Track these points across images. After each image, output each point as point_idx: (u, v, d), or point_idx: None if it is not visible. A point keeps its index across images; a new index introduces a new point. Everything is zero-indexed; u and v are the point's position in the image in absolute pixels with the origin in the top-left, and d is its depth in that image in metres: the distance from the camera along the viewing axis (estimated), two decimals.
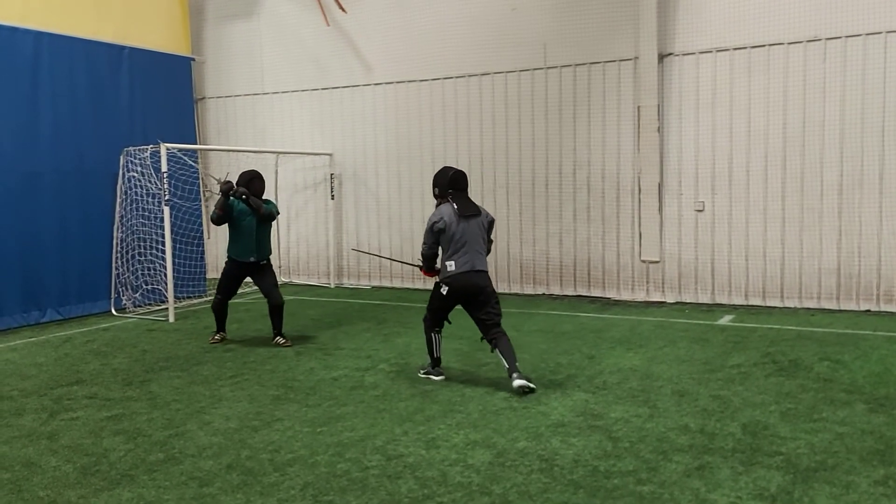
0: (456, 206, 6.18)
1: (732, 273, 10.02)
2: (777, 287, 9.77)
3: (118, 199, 10.48)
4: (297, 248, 13.16)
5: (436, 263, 6.42)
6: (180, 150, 10.65)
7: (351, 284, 12.63)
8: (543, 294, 11.16)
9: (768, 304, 9.78)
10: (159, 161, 9.81)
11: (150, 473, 4.47)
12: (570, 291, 11.02)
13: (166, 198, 9.81)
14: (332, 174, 12.66)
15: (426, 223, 6.30)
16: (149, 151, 10.21)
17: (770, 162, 9.72)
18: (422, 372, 6.58)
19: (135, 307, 10.45)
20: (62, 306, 9.90)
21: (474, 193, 11.56)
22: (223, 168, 13.39)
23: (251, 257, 7.92)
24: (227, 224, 7.94)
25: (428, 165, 11.92)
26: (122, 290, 10.46)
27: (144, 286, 10.54)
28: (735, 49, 9.80)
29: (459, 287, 6.14)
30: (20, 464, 4.66)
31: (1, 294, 9.23)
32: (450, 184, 6.28)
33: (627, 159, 10.52)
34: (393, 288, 12.25)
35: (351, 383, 6.38)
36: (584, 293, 10.90)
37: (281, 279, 13.08)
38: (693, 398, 5.72)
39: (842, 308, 9.37)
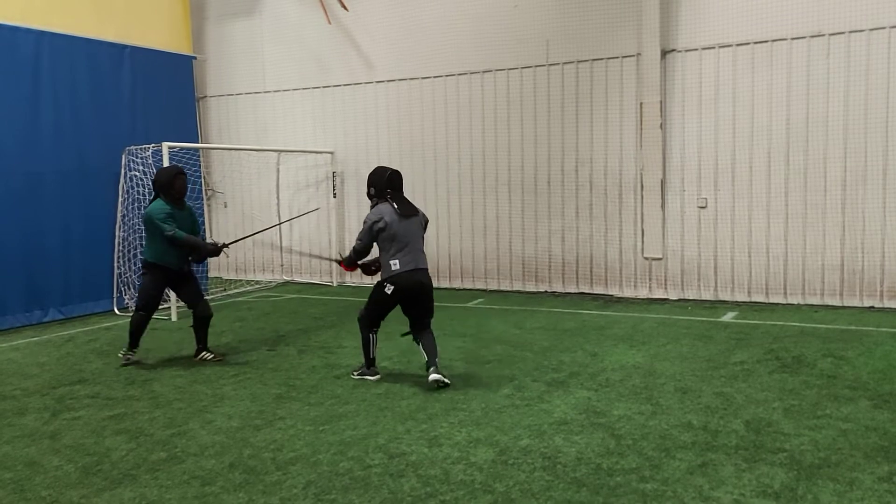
0: (396, 206, 6.17)
1: (735, 270, 10.00)
2: (780, 283, 9.74)
3: (120, 198, 10.47)
4: (300, 247, 13.14)
5: (360, 259, 6.38)
6: (182, 148, 10.65)
7: (353, 283, 12.62)
8: (546, 291, 11.14)
9: (771, 300, 9.76)
10: (161, 160, 9.81)
11: (153, 473, 4.46)
12: (572, 289, 11.00)
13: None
14: (333, 172, 12.65)
15: (364, 221, 6.22)
16: (150, 150, 10.20)
17: (773, 158, 9.68)
18: (355, 374, 6.49)
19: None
20: (64, 305, 9.90)
21: (474, 190, 11.62)
22: (224, 166, 13.45)
23: (184, 265, 7.23)
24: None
25: (430, 163, 11.92)
26: (125, 290, 10.46)
27: None
28: (738, 45, 9.76)
29: (405, 286, 6.13)
30: (22, 463, 4.66)
31: (3, 293, 9.24)
32: (387, 184, 6.25)
33: (630, 156, 10.50)
34: None
35: (353, 382, 6.37)
36: (587, 290, 10.88)
37: (283, 277, 13.13)
38: (696, 395, 5.70)
39: (845, 304, 9.33)
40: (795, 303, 9.61)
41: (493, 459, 4.50)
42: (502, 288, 11.50)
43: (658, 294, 10.41)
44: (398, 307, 6.29)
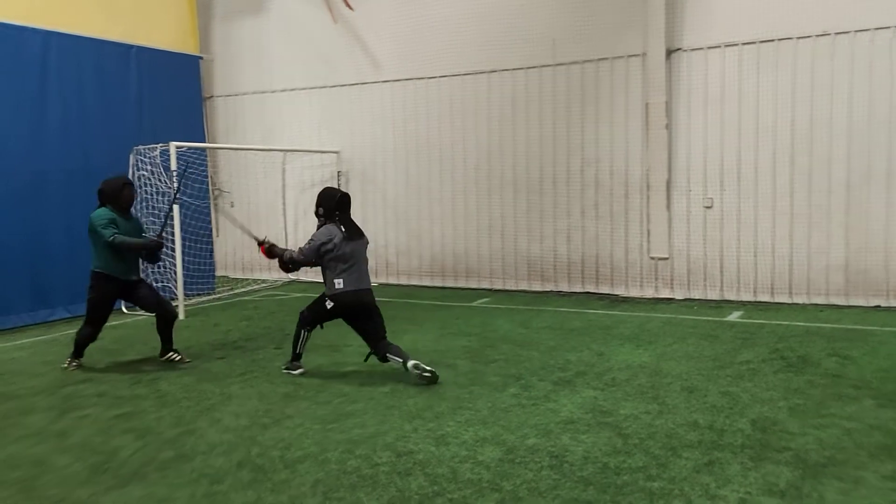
0: (343, 229, 6.37)
1: (741, 269, 9.99)
2: (785, 283, 9.73)
3: None
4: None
5: (285, 263, 6.54)
6: (189, 148, 10.69)
7: None
8: (551, 291, 11.15)
9: (777, 300, 9.75)
10: (168, 160, 9.84)
11: (161, 471, 4.48)
12: (578, 288, 11.00)
13: (176, 196, 9.82)
14: (339, 172, 12.67)
15: (311, 239, 6.37)
16: (158, 150, 10.24)
17: (778, 158, 9.67)
18: (283, 369, 6.72)
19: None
20: (71, 304, 9.92)
21: (480, 190, 11.63)
22: (231, 166, 13.48)
23: (134, 275, 7.07)
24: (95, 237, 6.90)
25: (436, 163, 11.94)
26: None
27: (154, 284, 10.56)
28: (744, 44, 9.75)
29: (346, 304, 6.38)
30: (30, 462, 4.68)
31: (9, 292, 9.29)
32: (337, 206, 6.44)
33: (636, 156, 10.49)
34: (399, 285, 12.26)
35: (360, 380, 6.39)
36: (593, 290, 10.88)
37: (289, 277, 13.14)
38: (702, 394, 5.71)
39: (850, 304, 9.32)
40: (801, 302, 9.60)
41: (501, 458, 4.52)
42: (508, 287, 11.51)
43: (664, 294, 10.41)
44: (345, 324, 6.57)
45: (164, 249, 7.50)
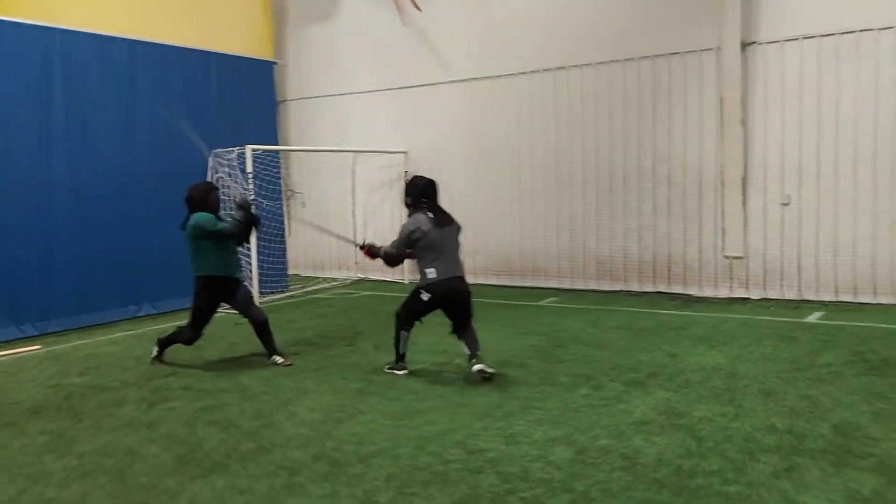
0: (432, 216, 6.30)
1: (820, 269, 9.63)
2: (869, 283, 9.33)
3: None
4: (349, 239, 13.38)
5: (385, 260, 6.52)
6: (264, 151, 11.04)
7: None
8: (621, 290, 11.01)
9: (859, 300, 9.36)
10: (244, 162, 10.19)
11: (242, 462, 4.67)
12: (649, 288, 10.83)
13: (251, 197, 10.17)
14: (406, 172, 12.83)
15: (402, 228, 6.35)
16: (235, 153, 10.61)
17: (860, 154, 9.29)
18: (386, 367, 6.69)
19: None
20: (157, 301, 10.41)
21: (549, 189, 11.58)
22: (302, 168, 13.84)
23: (236, 272, 7.15)
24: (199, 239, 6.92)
25: (503, 162, 11.95)
26: None
27: None
28: (823, 36, 9.40)
29: (442, 294, 6.28)
30: (123, 451, 4.94)
31: (102, 290, 9.79)
32: (422, 193, 6.39)
33: (710, 152, 10.25)
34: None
35: (429, 378, 6.48)
36: (664, 290, 10.69)
37: (358, 275, 13.42)
38: (780, 398, 5.56)
39: None
40: (885, 303, 9.19)
41: (572, 458, 4.52)
42: (576, 287, 11.42)
43: (739, 294, 10.14)
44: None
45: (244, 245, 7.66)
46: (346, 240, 7.86)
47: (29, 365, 7.55)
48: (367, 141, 13.23)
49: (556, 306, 10.05)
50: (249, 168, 10.34)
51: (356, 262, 13.51)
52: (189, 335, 7.17)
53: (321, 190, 13.78)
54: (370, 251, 6.63)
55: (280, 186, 12.22)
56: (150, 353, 7.48)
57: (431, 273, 6.27)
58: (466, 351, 6.38)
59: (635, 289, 10.94)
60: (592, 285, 11.30)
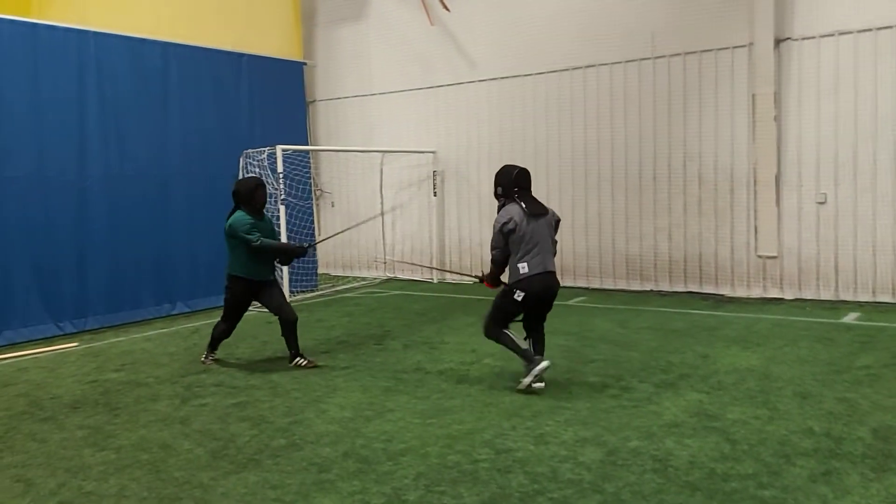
0: (524, 205, 5.88)
1: (858, 268, 9.43)
2: None
3: None
4: (402, 245, 13.44)
5: (503, 272, 6.01)
6: (294, 151, 11.14)
7: (454, 280, 12.78)
8: (651, 290, 10.90)
9: None
10: (275, 162, 10.29)
11: (274, 458, 4.71)
12: (680, 288, 10.71)
13: (282, 197, 10.27)
14: (434, 171, 12.85)
15: (494, 224, 5.91)
16: (266, 153, 10.72)
17: None
18: (523, 383, 5.90)
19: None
20: (190, 299, 10.56)
21: (577, 187, 11.50)
22: (332, 167, 13.93)
23: (269, 276, 7.14)
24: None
25: (531, 161, 11.85)
26: None
27: None
28: (859, 31, 9.21)
29: (536, 291, 5.83)
30: (157, 446, 5.02)
31: (137, 288, 9.97)
32: (515, 182, 5.98)
33: (742, 150, 10.10)
34: None
35: (457, 377, 6.48)
36: (696, 290, 10.56)
37: (386, 274, 13.47)
38: (817, 400, 5.45)
39: None
40: None
41: (602, 460, 4.48)
42: (605, 286, 11.34)
43: (773, 294, 9.97)
44: None
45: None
46: (466, 275, 7.62)
47: (67, 361, 7.71)
48: (396, 141, 13.27)
49: (585, 306, 9.98)
50: (280, 168, 10.44)
51: (384, 262, 13.57)
52: (223, 327, 7.26)
53: (350, 190, 13.86)
54: (489, 280, 6.11)
55: (310, 186, 12.31)
56: (184, 351, 7.60)
57: (523, 268, 5.79)
58: (529, 354, 5.88)
59: (665, 289, 10.82)
60: (622, 285, 11.20)
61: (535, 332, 6.11)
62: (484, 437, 4.94)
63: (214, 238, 10.78)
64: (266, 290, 7.09)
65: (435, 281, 12.80)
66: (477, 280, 6.35)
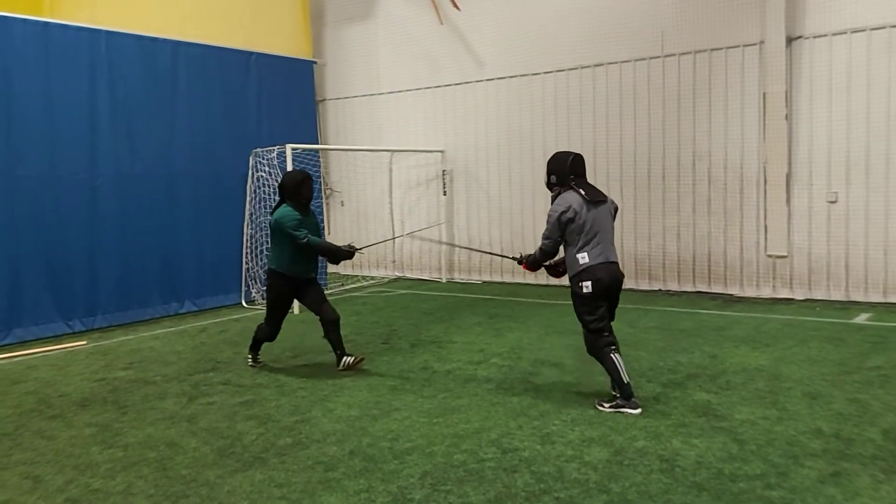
0: (583, 192, 5.42)
1: (869, 268, 9.35)
2: None
3: (248, 198, 11.08)
4: (411, 244, 13.44)
5: (547, 261, 5.67)
6: (303, 150, 11.15)
7: (462, 279, 12.77)
8: (660, 290, 10.85)
9: None
10: (285, 161, 10.31)
11: (280, 457, 4.72)
12: (688, 287, 10.65)
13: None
14: (443, 170, 12.85)
15: (549, 215, 5.47)
16: (275, 152, 10.74)
17: None
18: (607, 405, 5.37)
19: (263, 299, 11.03)
20: (198, 298, 10.60)
21: None
22: (341, 166, 13.94)
23: (312, 273, 6.90)
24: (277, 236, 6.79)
25: (539, 160, 11.84)
26: (252, 284, 11.07)
27: None
28: (872, 29, 9.12)
29: (602, 279, 5.31)
30: (164, 444, 5.04)
31: (145, 287, 10.01)
32: (571, 169, 5.49)
33: (752, 149, 10.04)
34: (503, 283, 12.28)
35: (464, 376, 6.47)
36: (704, 289, 10.50)
37: (395, 273, 13.48)
38: (827, 401, 5.41)
39: None
40: None
41: (608, 459, 4.47)
42: None
43: (783, 294, 9.91)
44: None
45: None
46: (502, 256, 7.26)
47: (76, 359, 7.76)
48: (404, 140, 13.28)
49: None
50: (289, 166, 10.44)
51: (393, 261, 13.58)
52: (267, 331, 6.97)
53: (359, 188, 13.88)
54: (529, 263, 5.77)
55: (320, 185, 12.33)
56: (191, 350, 7.60)
57: (584, 258, 5.32)
58: (616, 371, 5.36)
59: (674, 288, 10.76)
60: (630, 284, 11.14)
61: (616, 350, 5.44)
62: (490, 436, 4.93)
63: (223, 237, 10.90)
64: (308, 289, 6.85)
65: (444, 280, 12.80)
66: (516, 261, 6.00)
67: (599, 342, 5.39)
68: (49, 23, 9.18)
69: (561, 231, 5.41)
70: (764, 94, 9.82)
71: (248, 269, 11.07)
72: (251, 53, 11.51)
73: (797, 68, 9.65)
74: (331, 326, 6.79)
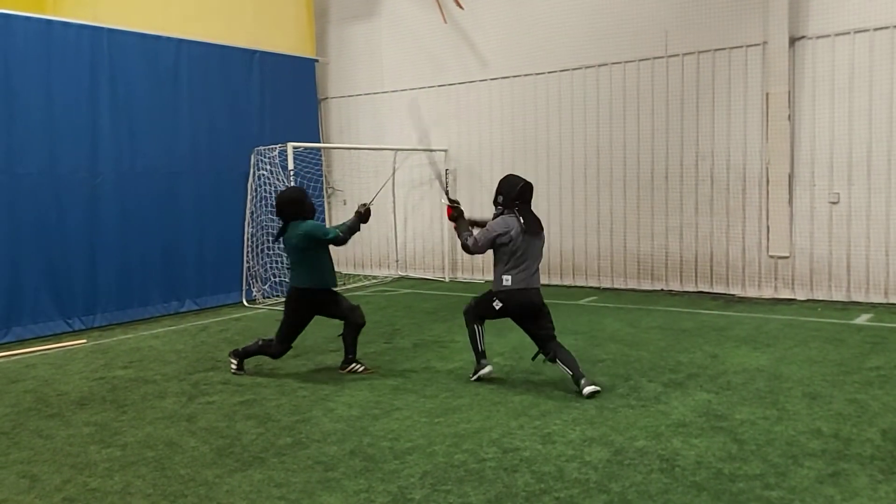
0: (523, 222, 5.91)
1: (871, 269, 9.33)
2: None
3: (249, 197, 11.09)
4: (414, 243, 13.44)
5: (467, 250, 6.07)
6: (306, 148, 11.16)
7: (465, 279, 12.76)
8: (662, 290, 10.83)
9: None
10: (286, 160, 10.31)
11: (279, 456, 4.72)
12: (690, 287, 10.63)
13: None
14: (446, 170, 12.83)
15: (489, 227, 5.95)
16: (277, 150, 10.74)
17: None
18: (472, 377, 6.27)
19: (263, 298, 11.05)
20: (198, 297, 10.61)
21: (588, 187, 11.45)
22: (343, 165, 13.94)
23: (334, 284, 6.72)
24: (300, 248, 6.50)
25: (543, 160, 11.86)
26: (253, 283, 11.08)
27: (272, 279, 11.12)
28: (876, 29, 9.10)
29: (514, 304, 5.97)
30: (163, 443, 5.04)
31: (145, 286, 10.02)
32: (518, 195, 6.00)
33: (754, 149, 10.02)
34: None
35: (466, 376, 6.45)
36: (706, 289, 10.48)
37: (398, 273, 13.47)
38: (826, 401, 5.40)
39: None
40: None
41: (609, 459, 4.46)
42: (616, 286, 11.28)
43: (784, 294, 9.89)
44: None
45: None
46: (445, 195, 7.28)
47: (76, 358, 7.76)
48: (407, 139, 13.25)
49: (596, 305, 9.93)
50: (291, 165, 10.45)
51: (396, 261, 13.57)
52: (278, 349, 6.69)
53: (362, 187, 13.86)
54: (453, 215, 6.23)
55: (321, 184, 12.33)
56: (193, 349, 7.60)
57: (507, 280, 5.92)
58: (568, 373, 5.84)
59: (676, 288, 10.75)
60: (632, 284, 11.14)
61: (558, 354, 5.92)
62: (491, 436, 4.93)
63: (224, 236, 10.90)
64: (332, 300, 6.66)
65: (447, 280, 12.79)
66: (449, 203, 6.34)
67: (472, 318, 6.24)
68: (51, 20, 9.19)
69: (490, 247, 5.99)
70: (767, 95, 9.80)
71: (248, 267, 11.08)
72: (254, 52, 11.51)
73: (800, 69, 9.62)
74: (353, 329, 6.69)
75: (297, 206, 6.55)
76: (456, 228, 6.28)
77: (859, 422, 4.94)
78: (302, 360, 7.26)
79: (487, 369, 6.26)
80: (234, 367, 6.84)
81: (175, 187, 10.39)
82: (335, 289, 6.75)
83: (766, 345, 7.26)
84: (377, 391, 6.09)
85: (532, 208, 6.12)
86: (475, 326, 6.25)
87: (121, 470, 4.58)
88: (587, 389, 5.67)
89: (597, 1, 11.06)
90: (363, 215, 6.56)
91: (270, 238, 6.44)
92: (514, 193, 6.02)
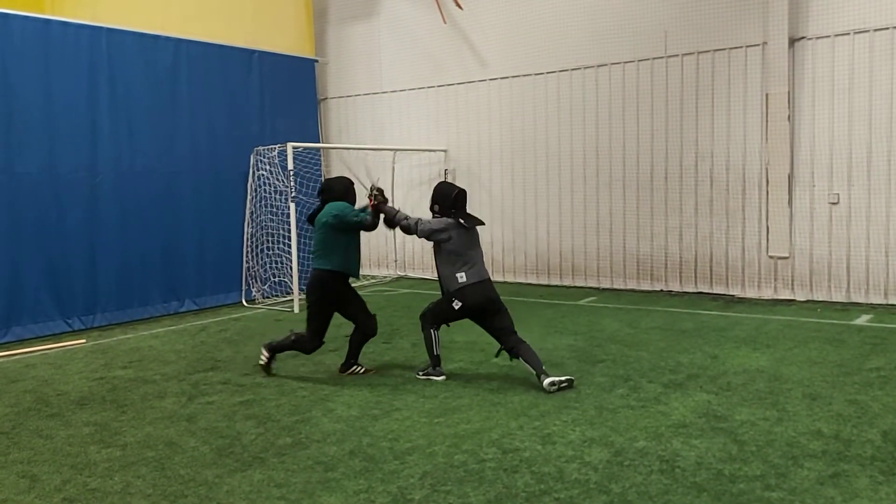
0: (462, 220, 6.23)
1: (871, 270, 9.33)
2: None
3: (248, 197, 11.08)
4: (413, 243, 13.43)
5: (402, 228, 6.42)
6: (305, 148, 11.15)
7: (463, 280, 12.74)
8: (661, 290, 10.83)
9: None
10: (286, 160, 10.31)
11: (279, 456, 4.71)
12: (690, 288, 10.63)
13: (292, 194, 10.28)
14: (445, 170, 12.83)
15: (431, 222, 6.27)
16: (276, 150, 10.74)
17: None
18: (420, 374, 6.42)
19: (263, 298, 11.04)
20: (198, 297, 10.60)
21: (588, 187, 11.45)
22: (343, 165, 13.93)
23: (357, 274, 6.64)
24: (327, 233, 6.46)
25: (542, 160, 11.86)
26: (252, 283, 11.07)
27: (272, 279, 11.12)
28: (876, 30, 9.10)
29: (473, 301, 6.15)
30: (163, 443, 5.04)
31: (145, 285, 10.01)
32: (453, 203, 6.30)
33: (754, 150, 10.02)
34: (505, 283, 12.25)
35: (466, 376, 6.46)
36: (706, 290, 10.48)
37: (397, 273, 13.47)
38: (826, 402, 5.40)
39: None
40: None
41: (609, 460, 4.46)
42: (615, 286, 11.28)
43: (784, 295, 9.89)
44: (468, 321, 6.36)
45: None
46: (367, 177, 7.51)
47: (75, 358, 7.76)
48: (406, 139, 13.26)
49: (595, 306, 9.93)
50: (290, 165, 10.44)
51: (395, 261, 13.56)
52: (312, 345, 6.55)
53: (361, 188, 13.83)
54: (377, 206, 6.48)
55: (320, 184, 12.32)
56: (192, 349, 7.59)
57: (462, 277, 6.16)
58: (530, 369, 5.96)
59: (676, 289, 10.75)
60: (632, 285, 11.14)
61: (520, 351, 6.05)
62: (491, 436, 4.93)
63: (223, 236, 10.89)
64: (354, 297, 6.60)
65: None
66: (372, 191, 6.58)
67: (429, 324, 6.35)
68: (50, 20, 9.18)
69: (429, 237, 6.24)
70: (766, 95, 9.81)
71: (248, 267, 11.08)
72: (253, 51, 11.51)
73: (800, 69, 9.62)
74: (363, 336, 6.64)
75: (345, 190, 6.71)
76: (385, 210, 6.51)
77: (860, 423, 4.94)
78: (302, 360, 7.25)
79: (441, 378, 6.34)
80: (263, 359, 6.65)
81: (174, 187, 10.38)
82: (354, 285, 6.69)
83: (766, 345, 7.26)
84: (377, 391, 6.09)
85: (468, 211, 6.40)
86: (431, 331, 6.38)
87: (121, 470, 4.58)
88: (547, 381, 5.81)
89: (597, 1, 11.06)
90: (381, 195, 6.64)
91: (304, 218, 6.57)
92: (448, 202, 6.32)
